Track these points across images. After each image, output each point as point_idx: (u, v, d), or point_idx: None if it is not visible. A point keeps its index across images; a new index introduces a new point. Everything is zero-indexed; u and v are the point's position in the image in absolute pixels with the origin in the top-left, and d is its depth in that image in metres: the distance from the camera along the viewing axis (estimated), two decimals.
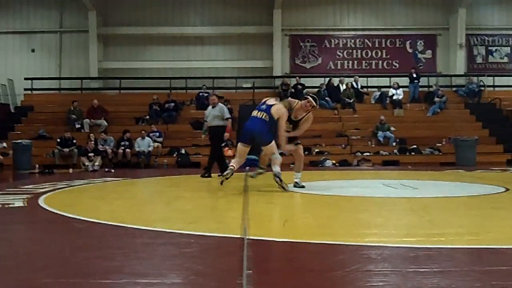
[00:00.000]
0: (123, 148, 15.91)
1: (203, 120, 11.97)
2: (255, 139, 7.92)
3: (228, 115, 11.19)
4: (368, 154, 16.52)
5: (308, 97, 8.10)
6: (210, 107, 11.19)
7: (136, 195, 7.72)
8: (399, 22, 22.08)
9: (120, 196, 7.55)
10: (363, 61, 22.09)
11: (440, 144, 16.88)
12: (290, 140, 8.36)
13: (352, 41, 22.22)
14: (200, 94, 19.32)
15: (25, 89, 20.87)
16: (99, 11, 21.85)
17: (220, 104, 11.46)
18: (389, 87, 19.97)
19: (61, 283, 2.66)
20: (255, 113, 8.02)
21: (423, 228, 4.45)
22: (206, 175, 10.75)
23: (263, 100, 8.26)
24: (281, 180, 7.48)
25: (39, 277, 2.76)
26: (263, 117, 7.81)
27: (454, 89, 20.88)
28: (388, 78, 20.65)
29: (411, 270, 2.94)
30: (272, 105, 7.91)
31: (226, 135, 11.33)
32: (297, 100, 8.30)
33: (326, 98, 19.35)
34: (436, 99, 19.11)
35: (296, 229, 4.34)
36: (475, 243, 3.76)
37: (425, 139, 17.05)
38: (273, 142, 7.85)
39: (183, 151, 16.43)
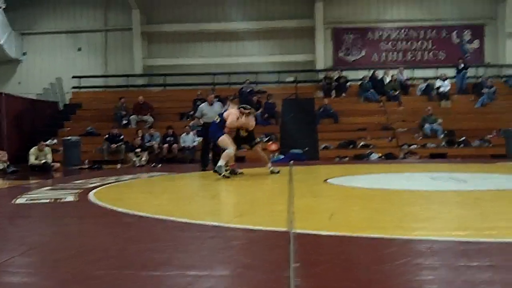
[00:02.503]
0: (168, 143, 16.17)
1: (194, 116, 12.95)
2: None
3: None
4: (414, 147, 16.23)
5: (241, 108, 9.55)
6: (205, 104, 11.83)
7: (182, 189, 7.82)
8: (444, 13, 21.53)
9: (167, 191, 7.68)
10: (408, 53, 21.69)
11: (490, 136, 16.40)
12: (246, 141, 9.84)
13: (396, 32, 21.84)
14: (243, 89, 19.38)
15: (73, 87, 21.47)
16: (142, 9, 22.22)
17: (217, 102, 12.21)
18: (436, 78, 19.53)
19: (113, 274, 2.73)
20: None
21: (473, 221, 4.35)
22: (202, 166, 11.70)
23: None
24: (219, 173, 8.63)
25: (92, 269, 2.84)
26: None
27: (503, 79, 20.25)
28: (434, 70, 20.20)
29: (462, 264, 2.87)
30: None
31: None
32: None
33: (371, 90, 19.10)
34: (485, 90, 18.56)
35: (342, 223, 4.31)
36: None
37: (474, 131, 16.59)
38: (223, 137, 9.23)
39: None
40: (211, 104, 11.69)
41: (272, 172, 9.49)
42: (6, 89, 20.48)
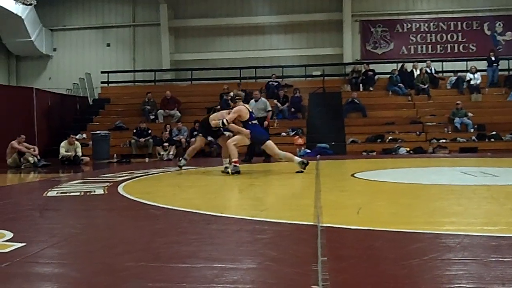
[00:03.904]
0: (195, 137, 16.24)
1: None
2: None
3: (269, 108, 12.69)
4: (444, 141, 16.00)
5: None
6: (253, 100, 12.41)
7: (209, 183, 7.86)
8: (475, 4, 21.12)
9: (194, 184, 7.72)
10: (438, 45, 21.35)
11: None
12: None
13: (426, 24, 21.51)
14: (270, 83, 19.35)
15: (102, 82, 21.76)
16: (169, 4, 22.37)
17: (262, 98, 12.82)
18: (466, 71, 19.17)
19: (141, 266, 2.76)
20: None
21: (505, 216, 4.26)
22: (248, 159, 12.04)
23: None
24: (234, 172, 8.41)
25: (121, 261, 2.87)
26: None
27: None
28: (464, 62, 19.84)
29: (493, 259, 2.81)
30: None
31: (266, 123, 12.39)
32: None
33: (399, 84, 18.87)
34: None
35: (370, 217, 4.27)
36: None
37: (506, 125, 16.27)
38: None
39: None
40: (256, 100, 12.31)
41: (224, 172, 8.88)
42: (37, 84, 20.90)
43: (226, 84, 19.39)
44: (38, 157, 13.27)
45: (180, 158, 10.39)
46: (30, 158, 13.00)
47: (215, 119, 8.95)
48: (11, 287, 2.45)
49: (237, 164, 8.61)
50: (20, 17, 21.03)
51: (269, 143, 8.99)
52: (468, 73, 18.91)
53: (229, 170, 8.61)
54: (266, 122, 12.37)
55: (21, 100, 16.91)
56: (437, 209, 4.73)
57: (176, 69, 22.84)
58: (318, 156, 14.62)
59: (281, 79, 20.01)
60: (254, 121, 8.98)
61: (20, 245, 3.24)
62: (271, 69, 20.60)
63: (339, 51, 21.70)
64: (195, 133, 16.39)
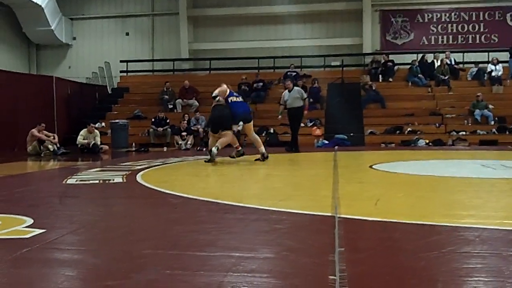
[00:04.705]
0: None
1: (278, 103, 13.60)
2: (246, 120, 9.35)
3: (305, 96, 12.56)
4: (464, 133, 15.82)
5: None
6: (286, 91, 12.44)
7: (227, 173, 7.88)
8: None
9: (212, 174, 7.75)
10: (459, 36, 21.04)
11: None
12: None
13: (447, 14, 21.20)
14: (288, 73, 19.27)
15: (121, 71, 21.86)
16: None
17: (296, 87, 12.74)
18: (487, 62, 18.87)
19: (159, 254, 2.78)
20: (235, 98, 9.46)
21: None
22: (293, 149, 12.26)
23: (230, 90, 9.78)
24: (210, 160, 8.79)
25: (139, 248, 2.90)
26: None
27: None
28: (486, 53, 19.52)
29: None
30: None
31: (305, 112, 12.57)
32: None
33: (419, 75, 18.67)
34: None
35: (388, 209, 4.25)
36: None
37: None
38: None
39: (271, 130, 16.55)
40: (290, 90, 12.30)
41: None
42: (57, 73, 21.08)
43: (245, 74, 19.37)
44: (58, 145, 13.43)
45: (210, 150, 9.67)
46: (50, 146, 13.16)
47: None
48: (31, 272, 2.49)
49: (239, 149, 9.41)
50: (40, 6, 21.20)
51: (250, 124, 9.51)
52: (490, 65, 18.61)
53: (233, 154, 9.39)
54: (305, 112, 12.52)
55: (41, 89, 17.08)
56: (455, 202, 4.69)
57: (194, 59, 22.86)
58: (336, 147, 14.57)
59: (299, 69, 19.92)
60: (234, 99, 9.39)
61: (40, 231, 3.29)
62: (289, 59, 20.49)
63: (358, 41, 21.51)
64: None
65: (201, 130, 16.20)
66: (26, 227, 3.44)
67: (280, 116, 12.88)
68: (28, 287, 2.31)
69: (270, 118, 17.43)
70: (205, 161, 9.07)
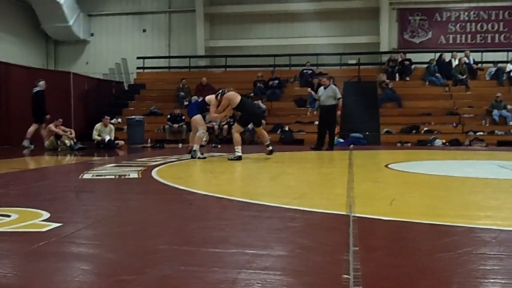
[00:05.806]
0: (228, 124, 16.29)
1: (314, 98, 14.12)
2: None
3: (340, 95, 12.34)
4: (481, 133, 15.65)
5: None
6: (322, 88, 12.36)
7: (241, 170, 7.89)
8: None
9: (226, 170, 7.76)
10: (478, 35, 20.80)
11: None
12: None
13: (466, 13, 20.96)
14: (304, 71, 19.23)
15: (138, 68, 21.98)
16: None
17: (332, 85, 12.48)
18: (506, 62, 18.65)
19: (174, 250, 2.80)
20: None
21: None
22: (318, 146, 12.31)
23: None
24: (194, 157, 9.27)
25: (154, 244, 2.92)
26: None
27: None
28: (505, 53, 19.29)
29: None
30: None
31: (338, 113, 12.40)
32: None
33: (437, 74, 18.51)
34: None
35: (403, 209, 4.22)
36: None
37: None
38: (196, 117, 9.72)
39: (286, 128, 16.55)
40: (326, 87, 12.24)
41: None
42: (74, 69, 21.26)
43: (260, 71, 19.36)
44: (75, 140, 13.54)
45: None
46: (67, 141, 13.28)
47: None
48: (48, 265, 2.52)
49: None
50: (59, 2, 21.39)
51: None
52: (509, 64, 18.41)
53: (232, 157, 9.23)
54: (338, 112, 12.34)
55: (59, 84, 17.22)
56: (472, 203, 4.64)
57: (210, 56, 22.90)
58: (352, 145, 14.51)
59: (315, 67, 19.86)
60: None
61: (56, 225, 3.33)
62: (305, 56, 20.44)
63: (375, 39, 21.37)
64: (228, 119, 16.54)
65: (216, 127, 16.22)
66: (43, 220, 3.48)
67: (315, 112, 13.16)
68: (45, 280, 2.33)
69: (285, 116, 17.44)
70: (228, 159, 9.22)
